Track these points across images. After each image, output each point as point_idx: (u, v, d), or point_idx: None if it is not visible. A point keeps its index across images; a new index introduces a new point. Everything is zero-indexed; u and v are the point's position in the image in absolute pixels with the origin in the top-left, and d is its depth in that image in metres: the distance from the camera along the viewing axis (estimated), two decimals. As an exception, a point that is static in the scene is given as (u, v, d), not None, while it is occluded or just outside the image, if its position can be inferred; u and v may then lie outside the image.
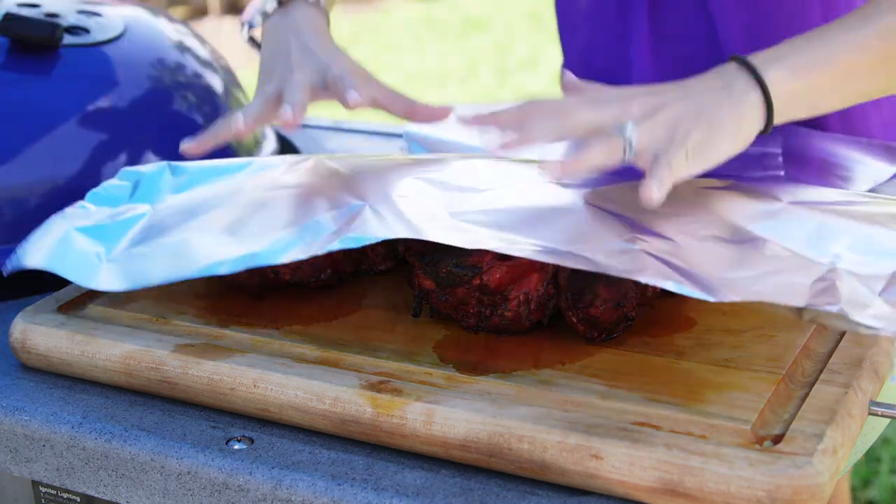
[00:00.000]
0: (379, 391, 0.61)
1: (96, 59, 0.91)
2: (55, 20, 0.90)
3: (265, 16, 0.83)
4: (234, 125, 0.76)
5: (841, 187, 0.83)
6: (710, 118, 0.65)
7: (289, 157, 0.80)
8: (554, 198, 0.69)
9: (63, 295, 0.75)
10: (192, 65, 0.99)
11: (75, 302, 0.74)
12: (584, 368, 0.63)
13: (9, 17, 0.87)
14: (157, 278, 0.66)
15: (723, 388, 0.59)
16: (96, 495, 0.65)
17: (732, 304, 0.67)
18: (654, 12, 0.94)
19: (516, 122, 0.66)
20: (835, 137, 0.90)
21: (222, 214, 0.70)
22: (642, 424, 0.57)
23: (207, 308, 0.73)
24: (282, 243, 0.65)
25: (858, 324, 0.55)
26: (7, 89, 0.86)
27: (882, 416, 0.58)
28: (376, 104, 0.79)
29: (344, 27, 5.64)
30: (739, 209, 0.68)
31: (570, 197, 0.69)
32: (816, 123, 0.89)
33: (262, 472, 0.59)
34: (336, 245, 0.63)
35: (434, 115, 0.80)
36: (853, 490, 1.79)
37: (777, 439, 0.55)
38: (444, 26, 5.66)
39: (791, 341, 0.64)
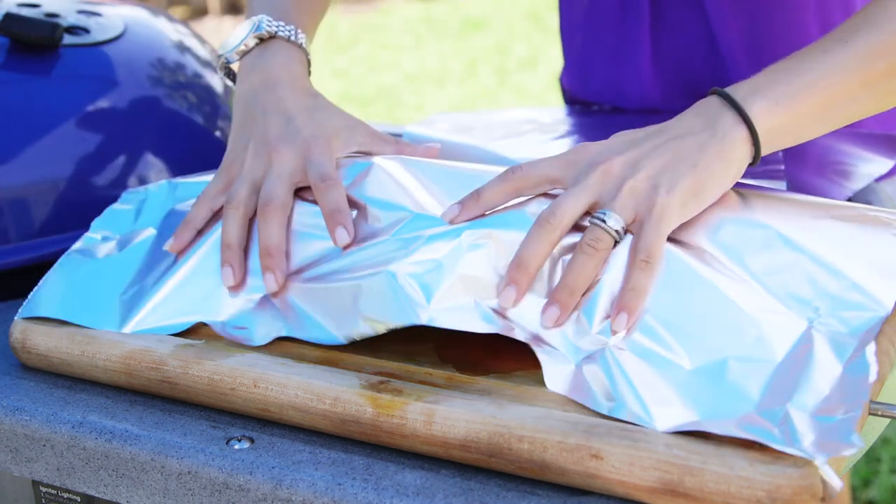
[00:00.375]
0: (379, 391, 0.61)
1: (96, 59, 0.91)
2: (55, 20, 0.90)
3: (243, 52, 0.81)
4: (226, 275, 0.71)
5: (840, 182, 0.83)
6: (696, 162, 0.64)
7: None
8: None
9: (63, 295, 0.75)
10: (192, 65, 0.99)
11: (75, 302, 0.74)
12: (584, 368, 0.63)
13: (9, 17, 0.87)
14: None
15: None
16: (96, 495, 0.66)
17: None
18: (655, 19, 0.94)
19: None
20: (834, 132, 0.90)
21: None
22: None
23: (207, 308, 0.73)
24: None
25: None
26: (7, 89, 0.86)
27: (882, 416, 0.58)
28: (363, 152, 0.78)
29: (344, 27, 5.64)
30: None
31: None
32: None
33: (263, 472, 0.59)
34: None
35: (423, 154, 0.79)
36: (853, 490, 1.79)
37: (777, 439, 0.55)
38: (444, 26, 5.66)
39: (791, 341, 0.64)
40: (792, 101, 0.66)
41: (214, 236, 0.73)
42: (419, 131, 0.97)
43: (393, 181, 0.73)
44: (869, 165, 0.85)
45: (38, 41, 0.88)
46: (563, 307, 0.62)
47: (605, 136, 0.69)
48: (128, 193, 0.81)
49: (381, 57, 5.15)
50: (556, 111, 1.06)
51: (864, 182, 0.84)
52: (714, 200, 0.66)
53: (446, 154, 0.88)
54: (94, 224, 0.78)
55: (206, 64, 1.01)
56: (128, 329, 0.70)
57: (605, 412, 0.57)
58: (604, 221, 0.63)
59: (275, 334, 0.68)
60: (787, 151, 0.84)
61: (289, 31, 0.81)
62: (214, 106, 0.98)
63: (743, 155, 0.66)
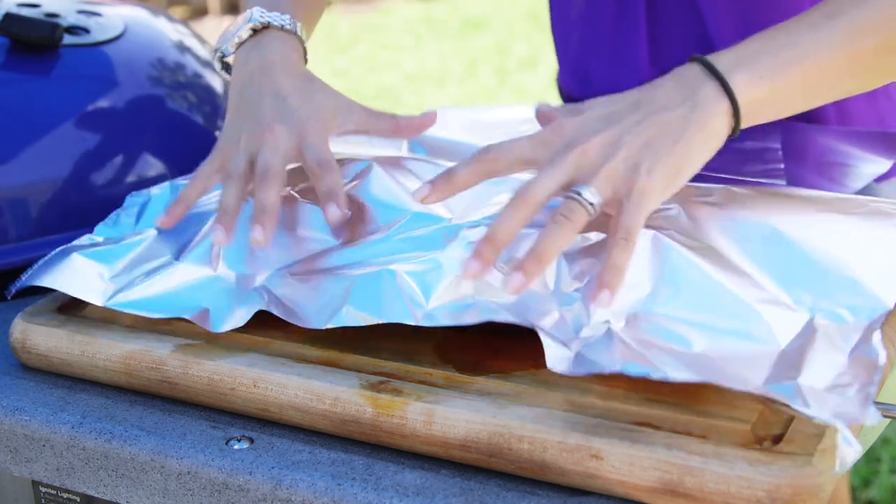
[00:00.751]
0: (379, 391, 0.61)
1: (96, 59, 0.91)
2: (55, 20, 0.90)
3: (238, 44, 0.81)
4: (216, 234, 0.71)
5: (840, 182, 0.83)
6: (677, 138, 0.63)
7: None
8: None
9: (63, 295, 0.75)
10: (192, 65, 0.99)
11: (75, 302, 0.74)
12: (584, 368, 0.63)
13: (9, 17, 0.87)
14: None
15: (723, 388, 0.59)
16: (96, 495, 0.66)
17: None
18: (651, 20, 0.94)
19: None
20: (834, 131, 0.90)
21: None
22: (642, 424, 0.57)
23: (207, 308, 0.73)
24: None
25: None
26: (7, 89, 0.86)
27: (882, 416, 0.58)
28: (360, 131, 0.78)
29: (344, 27, 5.64)
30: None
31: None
32: (813, 117, 0.89)
33: (262, 472, 0.59)
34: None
35: (420, 125, 0.79)
36: (853, 490, 1.79)
37: (777, 439, 0.55)
38: (444, 26, 5.66)
39: (791, 341, 0.64)
40: (776, 75, 0.65)
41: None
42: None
43: (393, 181, 0.73)
44: (868, 165, 0.85)
45: (38, 41, 0.88)
46: (528, 275, 0.60)
47: None
48: (131, 197, 0.81)
49: (381, 57, 5.15)
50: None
51: (863, 182, 0.84)
52: (694, 174, 0.65)
53: (446, 152, 0.88)
54: (97, 228, 0.78)
55: (206, 64, 1.01)
56: (111, 303, 0.70)
57: (616, 369, 0.56)
58: (579, 194, 0.62)
59: (254, 310, 0.67)
60: (786, 151, 0.83)
61: (282, 21, 0.81)
62: (214, 106, 0.98)
63: (723, 127, 0.65)
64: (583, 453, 0.55)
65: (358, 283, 0.66)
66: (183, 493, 0.62)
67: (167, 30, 1.01)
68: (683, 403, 0.58)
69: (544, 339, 0.59)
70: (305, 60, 0.83)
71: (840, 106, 0.89)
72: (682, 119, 0.64)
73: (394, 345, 0.67)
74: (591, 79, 1.02)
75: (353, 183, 0.74)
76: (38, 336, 0.71)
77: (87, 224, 0.86)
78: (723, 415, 0.57)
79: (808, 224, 0.66)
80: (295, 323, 0.66)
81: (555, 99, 1.14)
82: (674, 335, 0.60)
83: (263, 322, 0.69)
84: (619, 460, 0.54)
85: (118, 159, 0.88)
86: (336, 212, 0.69)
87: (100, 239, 0.77)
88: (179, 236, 0.75)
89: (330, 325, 0.65)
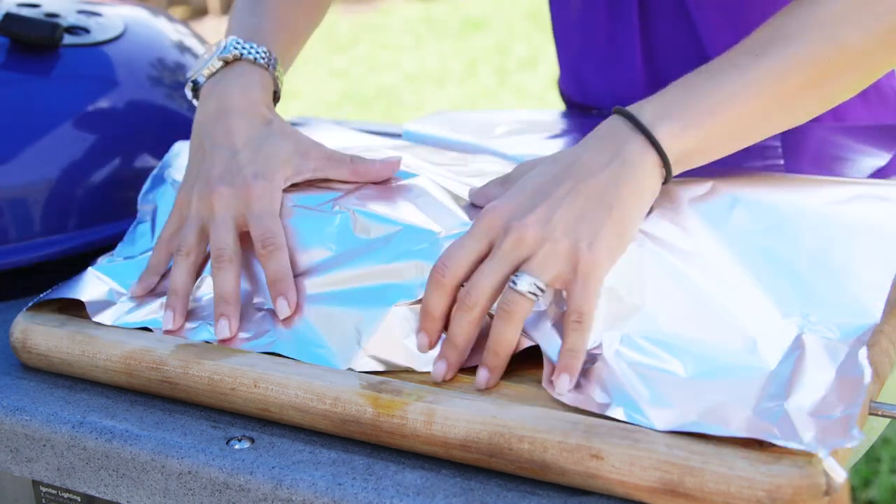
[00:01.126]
0: (379, 391, 0.61)
1: (96, 59, 0.91)
2: (55, 20, 0.90)
3: (208, 75, 0.79)
4: (165, 319, 0.70)
5: (840, 176, 0.83)
6: (611, 203, 0.62)
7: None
8: None
9: (63, 295, 0.75)
10: (192, 65, 0.99)
11: (76, 302, 0.74)
12: (584, 368, 0.63)
13: (9, 17, 0.87)
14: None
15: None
16: (97, 495, 0.66)
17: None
18: (644, 31, 0.94)
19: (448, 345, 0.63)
20: (832, 126, 0.90)
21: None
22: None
23: (208, 308, 0.73)
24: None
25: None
26: (7, 89, 0.86)
27: (882, 416, 0.58)
28: (316, 177, 0.75)
29: (344, 27, 5.64)
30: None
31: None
32: None
33: (263, 472, 0.59)
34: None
35: (380, 172, 0.75)
36: (853, 490, 1.79)
37: (777, 439, 0.55)
38: (444, 26, 5.66)
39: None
40: (702, 123, 0.63)
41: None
42: (418, 129, 0.97)
43: (382, 193, 0.74)
44: (867, 158, 0.85)
45: (38, 41, 0.88)
46: (493, 371, 0.62)
47: None
48: (140, 205, 0.82)
49: (381, 57, 5.15)
50: (554, 113, 1.06)
51: (862, 175, 0.84)
52: (636, 231, 0.64)
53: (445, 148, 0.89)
54: (117, 249, 0.79)
55: (207, 64, 1.01)
56: (120, 321, 0.71)
57: (601, 412, 0.57)
58: (515, 284, 0.61)
59: (263, 348, 0.68)
60: (785, 146, 0.83)
61: (256, 54, 0.78)
62: (214, 106, 0.98)
63: (654, 181, 0.64)
64: (583, 453, 0.55)
65: (367, 321, 0.66)
66: (183, 492, 0.62)
67: (167, 30, 1.01)
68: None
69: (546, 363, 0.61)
70: (277, 96, 0.81)
71: (833, 110, 0.89)
72: (613, 181, 0.62)
73: (394, 345, 0.67)
74: (587, 86, 1.02)
75: (345, 193, 0.74)
76: (38, 336, 0.71)
77: (87, 224, 0.86)
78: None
79: (796, 235, 0.66)
80: (303, 360, 0.66)
81: (556, 98, 1.14)
82: (663, 359, 0.60)
83: (264, 322, 0.69)
84: (619, 460, 0.54)
85: (118, 160, 0.88)
86: (285, 308, 0.68)
87: (120, 259, 0.78)
88: None
89: (347, 368, 0.65)
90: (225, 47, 0.79)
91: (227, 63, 0.79)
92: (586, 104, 1.05)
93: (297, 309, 0.68)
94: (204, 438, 0.63)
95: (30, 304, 0.74)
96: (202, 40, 1.05)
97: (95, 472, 0.65)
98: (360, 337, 0.65)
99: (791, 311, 0.62)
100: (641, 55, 0.95)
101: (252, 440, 0.62)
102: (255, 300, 0.71)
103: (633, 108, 0.64)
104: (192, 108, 0.96)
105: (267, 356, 0.66)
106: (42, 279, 0.82)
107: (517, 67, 4.73)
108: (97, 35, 0.93)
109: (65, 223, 0.85)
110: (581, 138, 0.67)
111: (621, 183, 0.62)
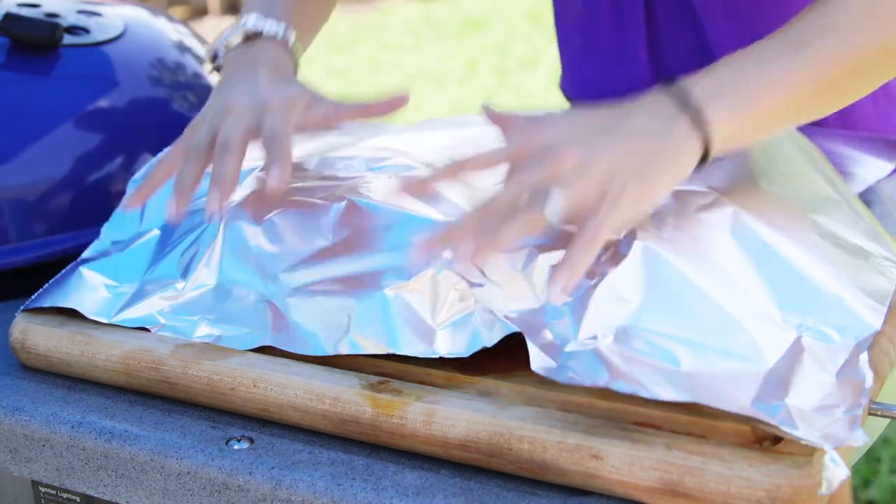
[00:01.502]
0: (379, 391, 0.61)
1: (96, 59, 0.91)
2: (55, 20, 0.90)
3: (227, 48, 0.80)
4: (168, 210, 0.71)
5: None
6: (648, 166, 0.61)
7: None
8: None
9: (63, 295, 0.75)
10: (192, 65, 0.99)
11: (75, 302, 0.74)
12: (584, 368, 0.63)
13: (9, 17, 0.87)
14: None
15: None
16: (96, 495, 0.66)
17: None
18: (650, 33, 0.94)
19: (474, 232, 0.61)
20: (835, 134, 0.90)
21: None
22: (642, 424, 0.57)
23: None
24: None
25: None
26: (7, 89, 0.86)
27: (882, 416, 0.58)
28: (327, 123, 0.76)
29: (343, 27, 5.64)
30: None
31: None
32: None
33: (262, 472, 0.59)
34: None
35: (389, 106, 0.75)
36: (853, 490, 1.79)
37: (777, 439, 0.55)
38: (444, 26, 5.66)
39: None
40: (750, 107, 0.63)
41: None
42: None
43: (380, 185, 0.74)
44: (869, 169, 0.85)
45: (38, 41, 0.88)
46: (480, 249, 0.59)
47: None
48: (131, 187, 0.81)
49: (380, 57, 5.15)
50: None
51: (864, 185, 0.84)
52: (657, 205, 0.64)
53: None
54: (103, 230, 0.78)
55: (206, 64, 1.01)
56: (117, 319, 0.71)
57: (601, 385, 0.56)
58: (544, 203, 0.59)
59: (259, 342, 0.68)
60: None
61: (276, 31, 0.79)
62: (214, 106, 0.98)
63: (692, 159, 0.63)
64: (583, 453, 0.55)
65: (358, 310, 0.66)
66: (183, 493, 0.62)
67: (167, 30, 1.01)
68: (683, 404, 0.58)
69: (531, 346, 0.60)
70: (295, 73, 0.81)
71: (841, 110, 0.89)
72: (657, 148, 0.62)
73: (394, 345, 0.67)
74: (590, 89, 1.02)
75: (347, 183, 0.74)
76: (38, 336, 0.71)
77: (87, 224, 0.86)
78: (723, 415, 0.57)
79: (795, 248, 0.66)
80: (299, 352, 0.66)
81: (556, 98, 1.14)
82: (662, 352, 0.59)
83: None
84: (619, 460, 0.54)
85: (118, 159, 0.88)
86: (274, 179, 0.68)
87: (108, 242, 0.77)
88: (183, 237, 0.75)
89: (338, 352, 0.65)
90: (245, 23, 0.79)
91: (247, 39, 0.79)
92: (588, 104, 1.04)
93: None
94: (203, 439, 0.63)
95: (23, 308, 0.74)
96: (202, 40, 1.05)
97: (95, 473, 0.65)
98: (350, 322, 0.65)
99: (791, 315, 0.62)
100: (648, 55, 0.95)
101: (251, 440, 0.62)
102: (253, 295, 0.70)
103: (682, 84, 0.63)
104: (193, 108, 0.96)
105: (266, 356, 0.66)
106: (42, 279, 0.82)
107: (517, 67, 4.73)
108: (97, 35, 0.93)
109: (65, 223, 0.85)
110: None
111: (663, 154, 0.62)
